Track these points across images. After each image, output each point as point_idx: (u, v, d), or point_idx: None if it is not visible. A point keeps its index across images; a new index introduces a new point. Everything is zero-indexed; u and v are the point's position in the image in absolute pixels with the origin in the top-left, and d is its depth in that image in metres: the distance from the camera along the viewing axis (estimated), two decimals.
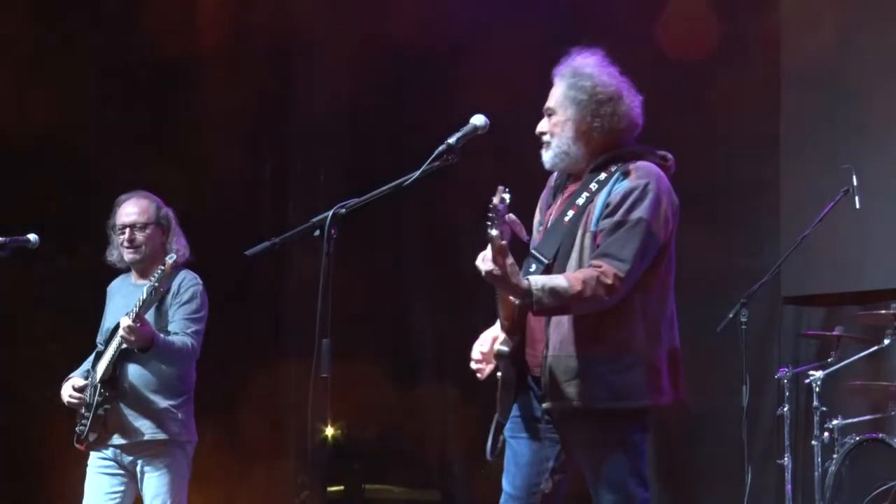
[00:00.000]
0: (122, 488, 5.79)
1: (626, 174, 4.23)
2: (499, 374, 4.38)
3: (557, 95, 4.36)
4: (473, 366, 4.44)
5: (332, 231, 4.03)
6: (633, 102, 4.36)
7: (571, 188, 4.39)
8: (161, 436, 5.72)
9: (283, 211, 9.32)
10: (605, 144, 4.33)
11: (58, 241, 7.75)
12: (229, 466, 8.57)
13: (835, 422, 6.92)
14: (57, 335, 8.60)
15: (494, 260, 3.98)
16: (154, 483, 5.74)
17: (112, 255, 5.94)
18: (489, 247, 4.00)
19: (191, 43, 9.11)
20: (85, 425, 5.72)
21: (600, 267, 4.12)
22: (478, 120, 4.34)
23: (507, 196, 3.97)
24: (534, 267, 4.27)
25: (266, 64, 9.34)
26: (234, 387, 8.59)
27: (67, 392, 5.80)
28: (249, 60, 9.16)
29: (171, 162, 8.77)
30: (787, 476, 7.00)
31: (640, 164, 4.29)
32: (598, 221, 4.22)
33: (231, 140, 9.14)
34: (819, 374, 6.98)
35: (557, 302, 4.07)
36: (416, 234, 8.95)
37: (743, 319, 7.01)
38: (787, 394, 7.06)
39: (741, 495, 7.02)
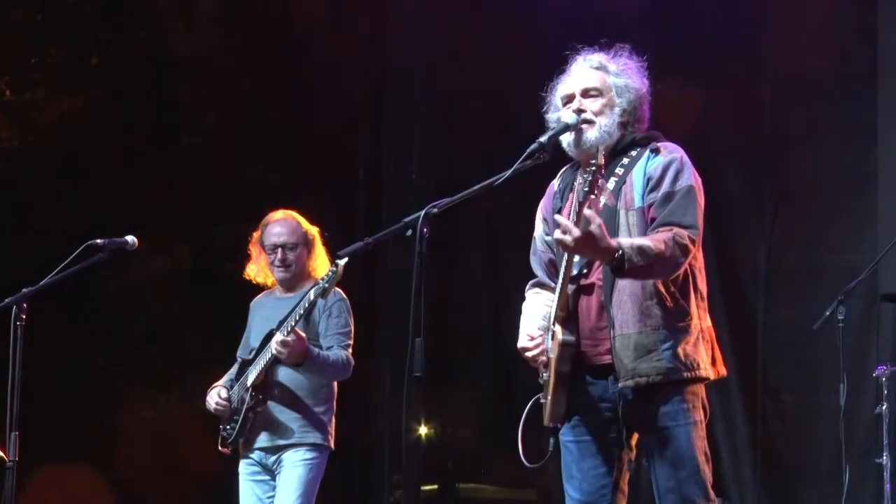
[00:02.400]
0: (274, 493, 5.89)
1: (655, 151, 4.34)
2: (545, 374, 4.36)
3: (605, 81, 4.43)
4: (530, 354, 4.39)
5: (425, 230, 4.04)
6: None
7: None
8: (306, 438, 5.82)
9: (376, 210, 9.36)
10: (627, 134, 4.43)
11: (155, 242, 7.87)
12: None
13: None
14: (156, 337, 8.73)
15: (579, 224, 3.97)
16: (289, 477, 5.82)
17: (253, 271, 6.05)
18: (564, 219, 4.02)
19: (286, 46, 9.21)
20: (233, 429, 5.83)
21: (672, 230, 4.16)
22: (569, 118, 4.35)
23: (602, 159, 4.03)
24: (577, 257, 4.25)
25: (359, 64, 9.39)
26: None
27: (214, 399, 5.91)
28: (343, 61, 9.22)
29: (272, 164, 8.87)
30: (886, 475, 6.90)
31: (665, 142, 4.40)
32: (642, 197, 4.28)
33: (325, 140, 9.21)
34: None
35: (645, 261, 4.06)
36: (511, 231, 8.93)
37: (840, 317, 6.92)
38: (886, 392, 6.96)
39: (839, 494, 6.94)
